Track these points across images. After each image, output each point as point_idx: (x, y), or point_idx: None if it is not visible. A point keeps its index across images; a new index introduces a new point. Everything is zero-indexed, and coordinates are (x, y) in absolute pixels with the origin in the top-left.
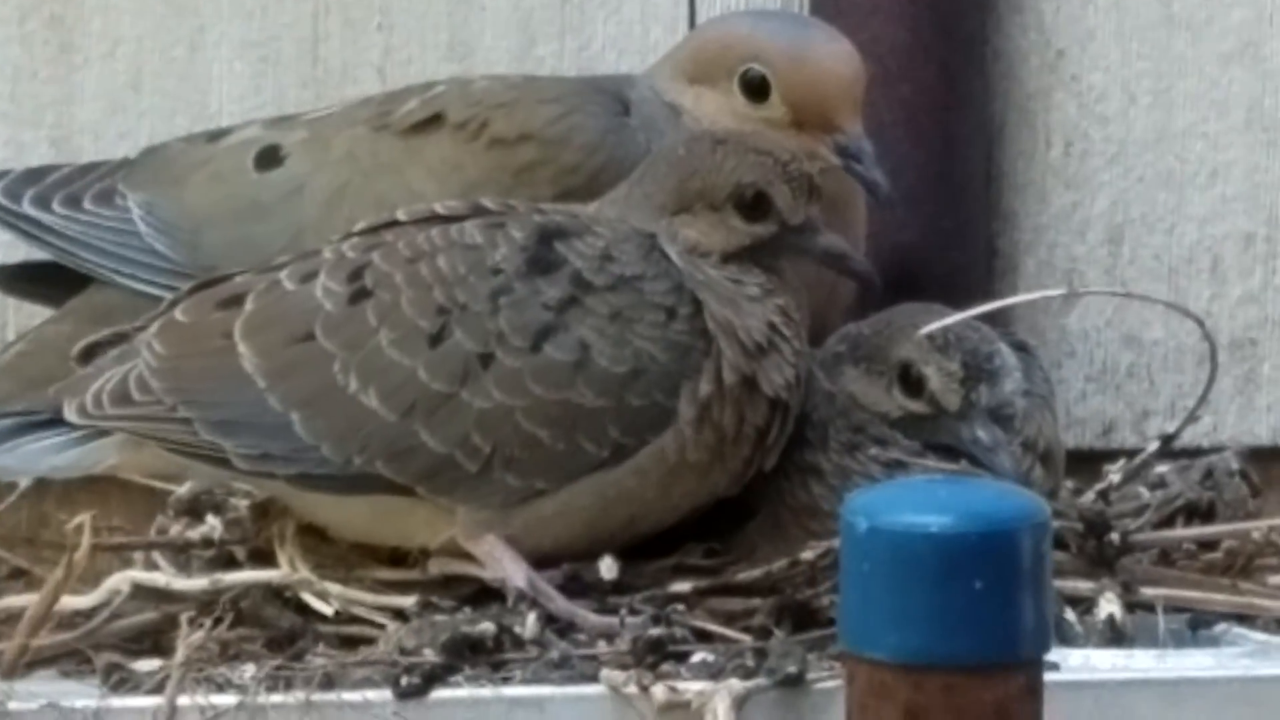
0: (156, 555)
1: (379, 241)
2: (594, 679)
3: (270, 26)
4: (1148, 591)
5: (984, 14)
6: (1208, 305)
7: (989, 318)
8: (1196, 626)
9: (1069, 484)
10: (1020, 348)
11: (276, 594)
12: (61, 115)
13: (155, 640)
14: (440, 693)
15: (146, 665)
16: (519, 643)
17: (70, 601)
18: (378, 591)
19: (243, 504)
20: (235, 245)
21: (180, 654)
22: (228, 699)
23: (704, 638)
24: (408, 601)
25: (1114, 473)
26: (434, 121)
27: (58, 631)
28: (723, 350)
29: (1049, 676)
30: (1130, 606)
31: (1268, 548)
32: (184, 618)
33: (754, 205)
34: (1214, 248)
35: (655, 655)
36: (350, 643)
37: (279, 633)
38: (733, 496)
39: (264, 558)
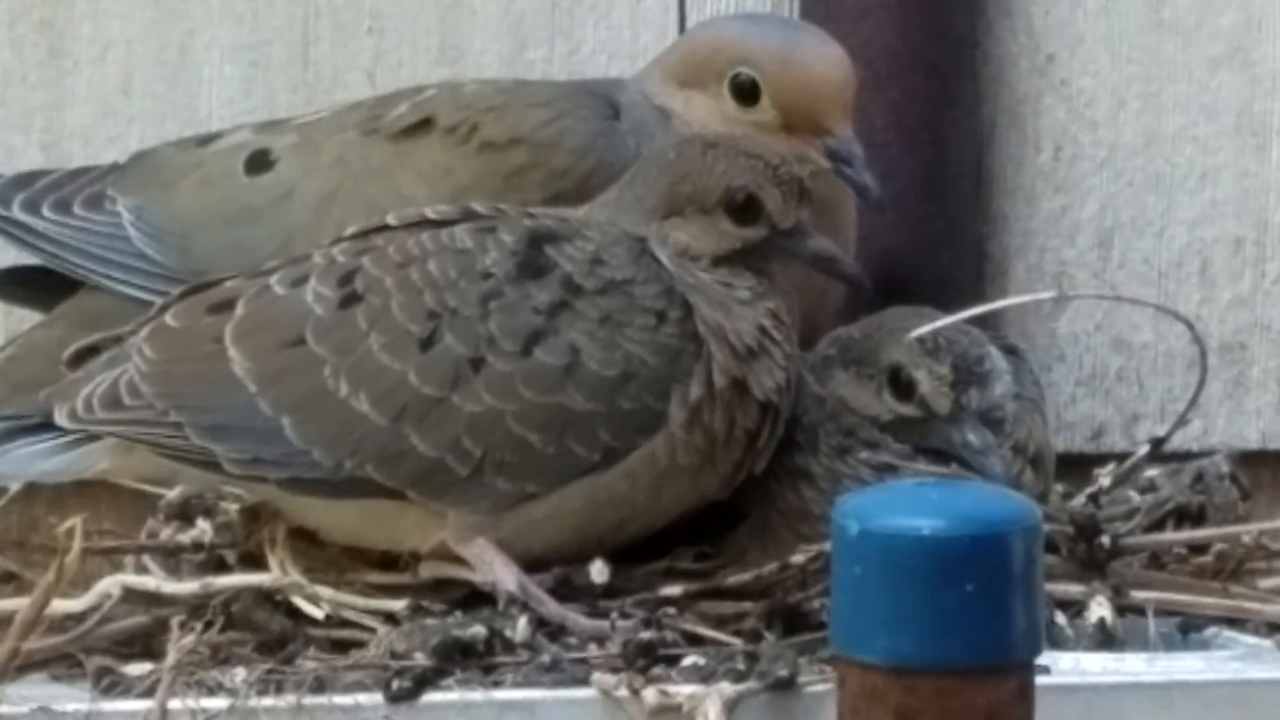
0: (147, 559)
1: (369, 246)
2: (585, 682)
3: (260, 31)
4: (1138, 595)
5: (974, 18)
6: (1197, 309)
7: (979, 321)
8: (1187, 630)
9: (1059, 488)
10: (1010, 351)
11: (267, 598)
12: (51, 120)
13: (146, 644)
14: (431, 696)
15: (137, 669)
16: (510, 646)
17: (61, 605)
18: (368, 595)
19: (233, 508)
20: (225, 250)
21: (171, 657)
22: (218, 702)
23: (695, 641)
24: (399, 605)
25: (1104, 476)
26: (424, 125)
27: (48, 635)
28: (713, 354)
29: (1040, 680)
30: (1121, 610)
31: (1258, 551)
32: (175, 621)
33: (744, 209)
34: (1203, 252)
35: (646, 659)
36: (341, 646)
37: (270, 636)
38: (723, 500)
39: (255, 561)
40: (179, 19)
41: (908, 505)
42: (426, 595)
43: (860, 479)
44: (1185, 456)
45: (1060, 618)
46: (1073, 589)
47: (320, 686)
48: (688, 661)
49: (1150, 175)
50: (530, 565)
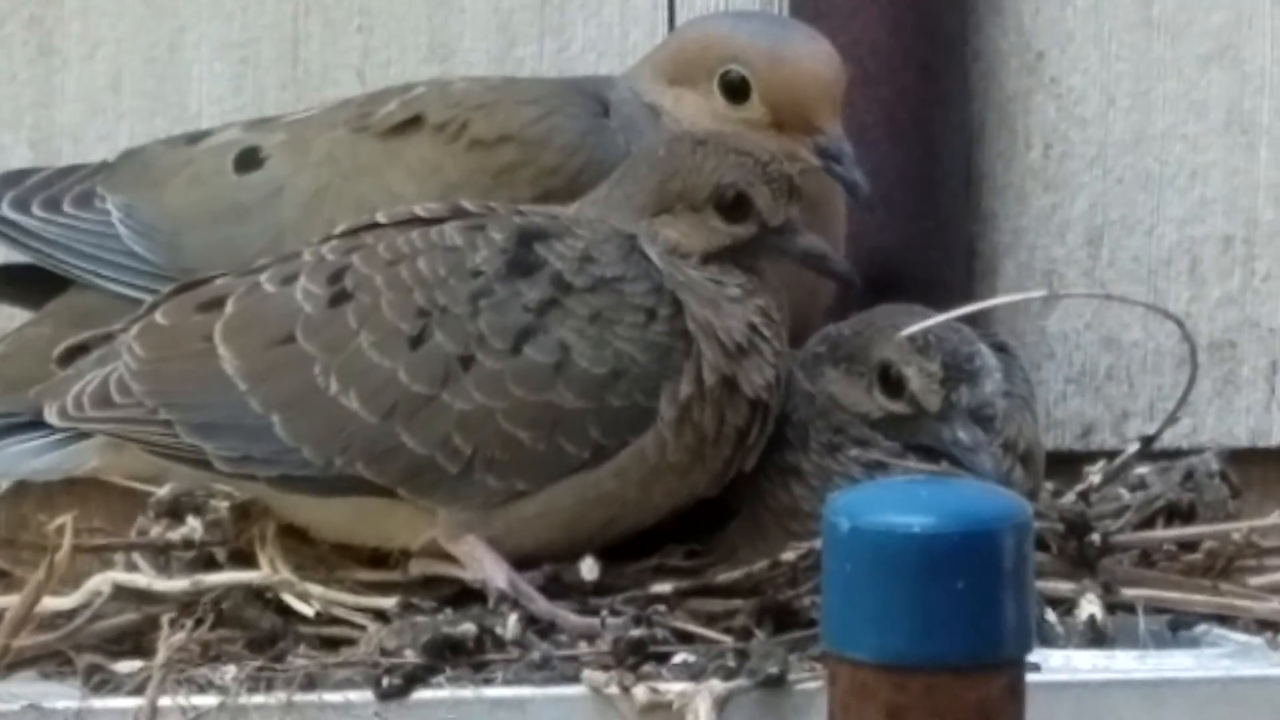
0: (137, 556)
1: (359, 244)
2: (575, 680)
3: (250, 28)
4: (1128, 592)
5: (964, 16)
6: (1187, 307)
7: (969, 319)
8: (1177, 627)
9: (1049, 485)
10: (1000, 349)
11: (257, 595)
12: (41, 118)
13: (136, 641)
14: (421, 693)
15: (127, 666)
16: (500, 644)
17: (51, 603)
18: (359, 592)
19: (223, 505)
20: (215, 247)
21: (161, 655)
22: (209, 700)
23: (685, 639)
24: (389, 602)
25: (1094, 474)
26: (414, 123)
27: (38, 633)
28: (703, 351)
29: (1030, 677)
30: (1111, 607)
31: (1248, 549)
32: (165, 619)
33: (734, 206)
34: (1193, 249)
35: (636, 656)
36: (331, 644)
37: (260, 634)
38: (713, 497)
39: (245, 559)
40: (168, 16)
41: (898, 502)
42: (417, 593)
43: (850, 476)
44: (1175, 454)
45: (1051, 615)
46: (1063, 586)
47: (311, 684)
48: (678, 659)
49: (1140, 173)
50: (520, 562)
